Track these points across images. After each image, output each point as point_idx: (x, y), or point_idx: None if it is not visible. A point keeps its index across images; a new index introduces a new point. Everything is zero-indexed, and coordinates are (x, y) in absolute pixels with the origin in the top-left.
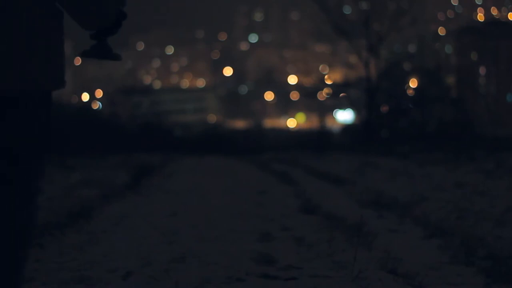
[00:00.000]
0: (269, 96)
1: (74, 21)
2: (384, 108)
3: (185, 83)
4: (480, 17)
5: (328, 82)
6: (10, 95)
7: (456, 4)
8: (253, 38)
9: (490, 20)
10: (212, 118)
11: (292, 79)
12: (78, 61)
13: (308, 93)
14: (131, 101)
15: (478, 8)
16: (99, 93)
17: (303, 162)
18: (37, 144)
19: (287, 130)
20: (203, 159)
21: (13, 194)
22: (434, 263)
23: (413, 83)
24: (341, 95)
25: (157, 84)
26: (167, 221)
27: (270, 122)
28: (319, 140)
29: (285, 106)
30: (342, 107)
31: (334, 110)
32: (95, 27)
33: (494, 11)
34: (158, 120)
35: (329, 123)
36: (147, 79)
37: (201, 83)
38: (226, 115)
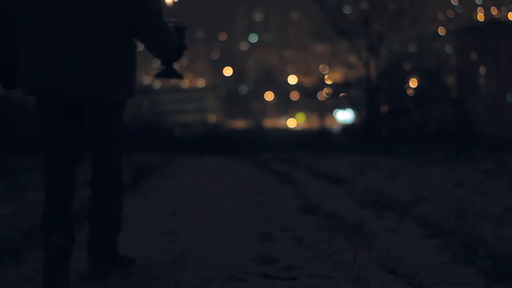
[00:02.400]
0: (269, 96)
1: (149, 52)
2: (384, 108)
3: (185, 83)
4: (480, 17)
5: (328, 82)
6: (106, 102)
7: (456, 4)
8: (253, 38)
9: (490, 20)
10: (212, 118)
11: (292, 79)
12: None
13: (308, 93)
14: (131, 101)
15: (478, 8)
16: None
17: (303, 162)
18: (119, 135)
19: (287, 130)
20: (203, 159)
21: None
22: (434, 263)
23: (413, 83)
24: (341, 95)
25: (157, 84)
26: (167, 221)
27: (270, 122)
28: (319, 140)
29: (285, 106)
30: (342, 107)
31: (334, 110)
32: (165, 57)
33: (494, 11)
34: (158, 120)
35: (329, 123)
36: (147, 79)
37: (201, 83)
38: (226, 115)
